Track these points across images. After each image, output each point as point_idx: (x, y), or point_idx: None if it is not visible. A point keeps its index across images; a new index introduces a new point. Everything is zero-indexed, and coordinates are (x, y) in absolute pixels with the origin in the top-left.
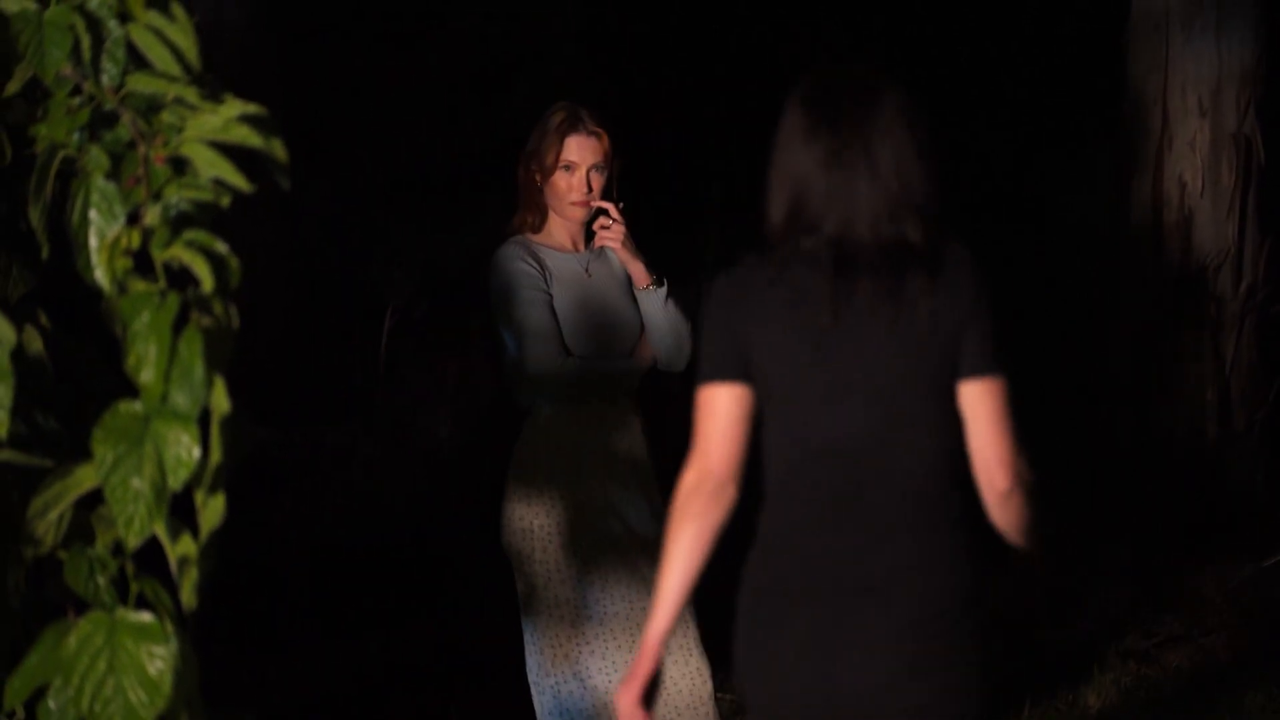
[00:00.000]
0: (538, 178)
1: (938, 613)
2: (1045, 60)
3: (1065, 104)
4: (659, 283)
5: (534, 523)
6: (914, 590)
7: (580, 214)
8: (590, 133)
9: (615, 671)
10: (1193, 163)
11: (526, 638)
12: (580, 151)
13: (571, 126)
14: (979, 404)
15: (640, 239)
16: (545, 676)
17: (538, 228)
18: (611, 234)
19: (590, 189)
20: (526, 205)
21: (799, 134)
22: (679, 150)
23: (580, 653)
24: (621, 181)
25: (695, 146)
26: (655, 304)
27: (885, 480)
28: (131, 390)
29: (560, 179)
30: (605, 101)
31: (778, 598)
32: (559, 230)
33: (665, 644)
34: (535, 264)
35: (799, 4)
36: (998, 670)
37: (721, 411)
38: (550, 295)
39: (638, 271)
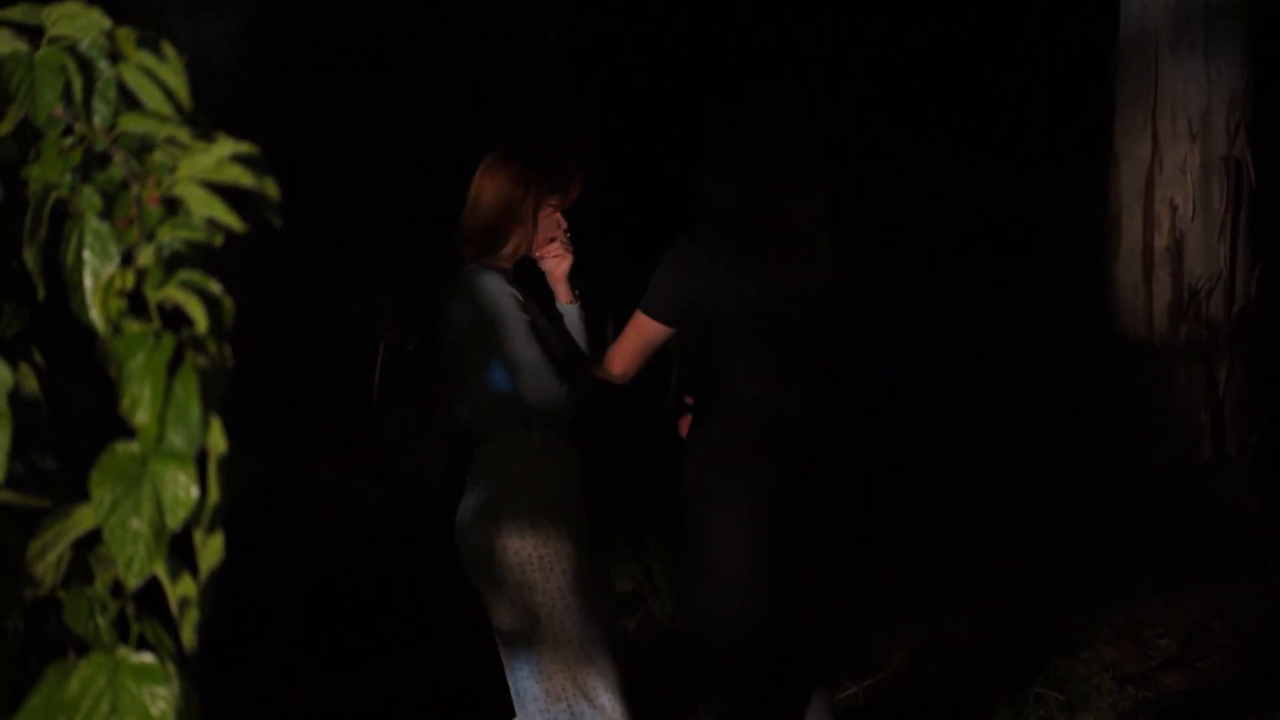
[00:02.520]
0: (552, 204)
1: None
2: (1033, 86)
3: (1054, 129)
4: (578, 298)
5: (532, 553)
6: None
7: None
8: None
9: (617, 690)
10: (1184, 186)
11: (528, 669)
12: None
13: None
14: None
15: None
16: (555, 702)
17: (515, 258)
18: (565, 262)
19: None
20: (514, 231)
21: (764, 143)
22: (673, 160)
23: (588, 676)
24: (619, 188)
25: (691, 154)
26: (576, 319)
27: None
28: (129, 430)
29: (558, 217)
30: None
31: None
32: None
33: None
34: (517, 291)
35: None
36: None
37: (655, 343)
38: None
39: (564, 289)
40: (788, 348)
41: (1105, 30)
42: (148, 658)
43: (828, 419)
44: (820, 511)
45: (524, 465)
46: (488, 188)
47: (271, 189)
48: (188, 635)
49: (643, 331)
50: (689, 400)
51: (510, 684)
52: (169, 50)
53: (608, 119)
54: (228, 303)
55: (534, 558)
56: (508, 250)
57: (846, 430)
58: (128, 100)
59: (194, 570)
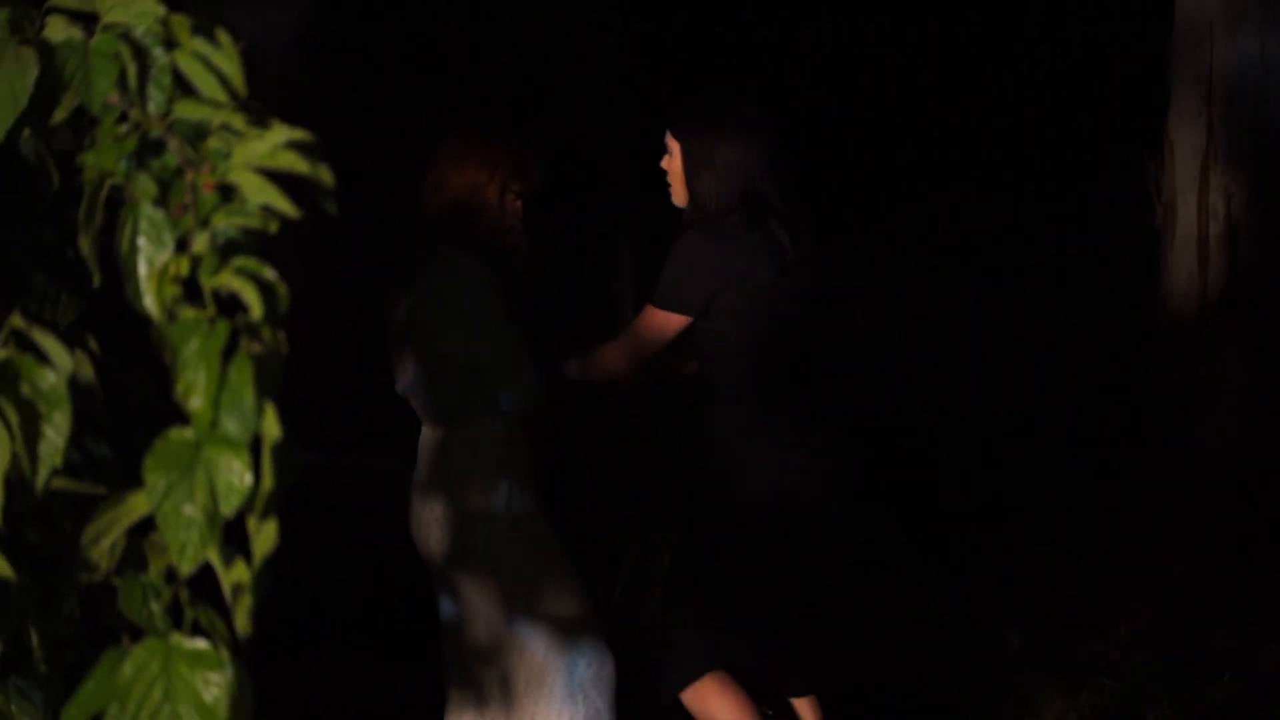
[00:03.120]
0: (515, 190)
1: None
2: (1088, 75)
3: (1107, 117)
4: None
5: (531, 530)
6: None
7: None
8: None
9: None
10: (1238, 174)
11: (575, 646)
12: None
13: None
14: None
15: None
16: (569, 650)
17: (482, 241)
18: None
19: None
20: (481, 217)
21: (708, 140)
22: None
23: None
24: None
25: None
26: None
27: None
28: (182, 417)
29: (519, 205)
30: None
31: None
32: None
33: None
34: (499, 279)
35: (840, 30)
36: None
37: (669, 338)
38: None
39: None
40: (804, 332)
41: (1159, 17)
42: (201, 644)
43: (837, 406)
44: (832, 507)
45: (494, 453)
46: (454, 173)
47: (326, 176)
48: (241, 621)
49: (660, 326)
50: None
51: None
52: (224, 37)
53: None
54: (282, 289)
55: (511, 545)
56: (476, 234)
57: (850, 424)
58: (183, 87)
59: (247, 557)
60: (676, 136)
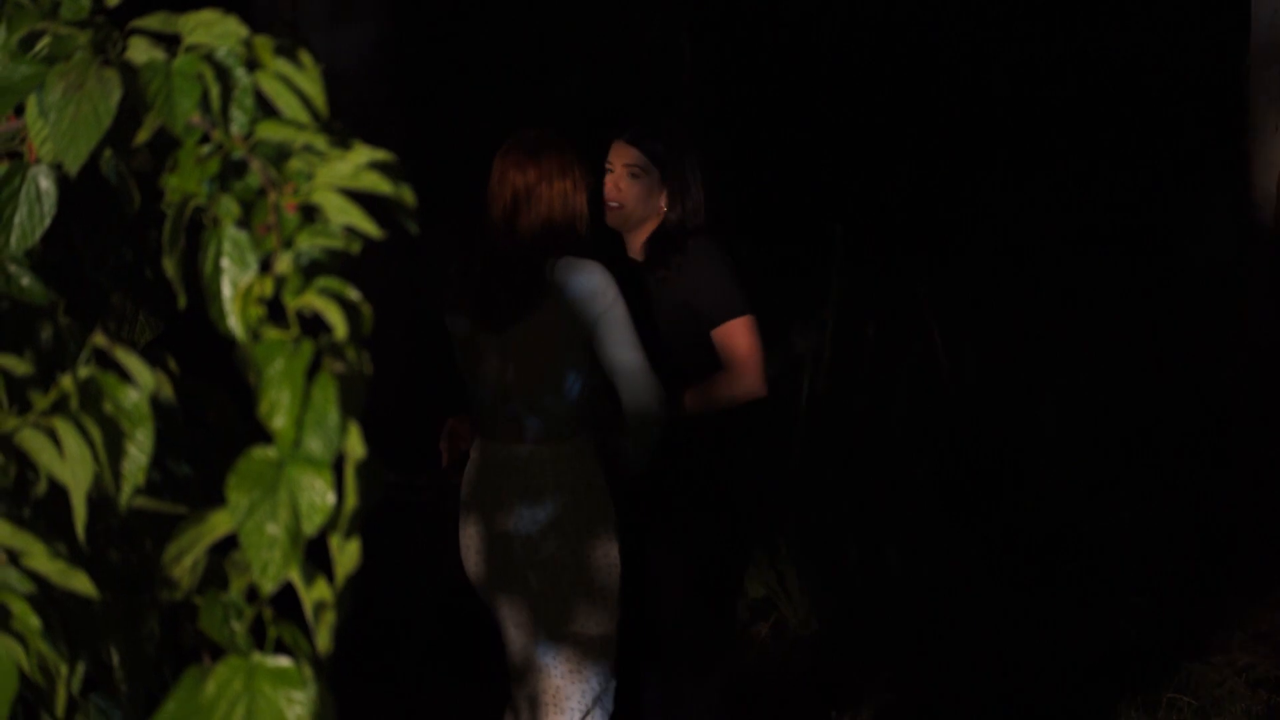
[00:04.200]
0: (588, 182)
1: None
2: (1167, 90)
3: (1187, 136)
4: None
5: (614, 558)
6: None
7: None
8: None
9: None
10: None
11: (600, 671)
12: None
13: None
14: None
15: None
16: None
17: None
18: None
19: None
20: (577, 221)
21: (691, 158)
22: (797, 194)
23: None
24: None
25: (813, 190)
26: None
27: None
28: (261, 433)
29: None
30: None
31: None
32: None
33: None
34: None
35: (915, 54)
36: None
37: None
38: None
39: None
40: None
41: (1236, 35)
42: (284, 662)
43: None
44: None
45: (591, 467)
46: (544, 185)
47: (408, 196)
48: (323, 640)
49: (757, 332)
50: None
51: (551, 686)
52: (306, 58)
53: (740, 133)
54: (366, 309)
55: (615, 562)
56: (580, 242)
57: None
58: (265, 108)
59: (329, 576)
60: (653, 155)
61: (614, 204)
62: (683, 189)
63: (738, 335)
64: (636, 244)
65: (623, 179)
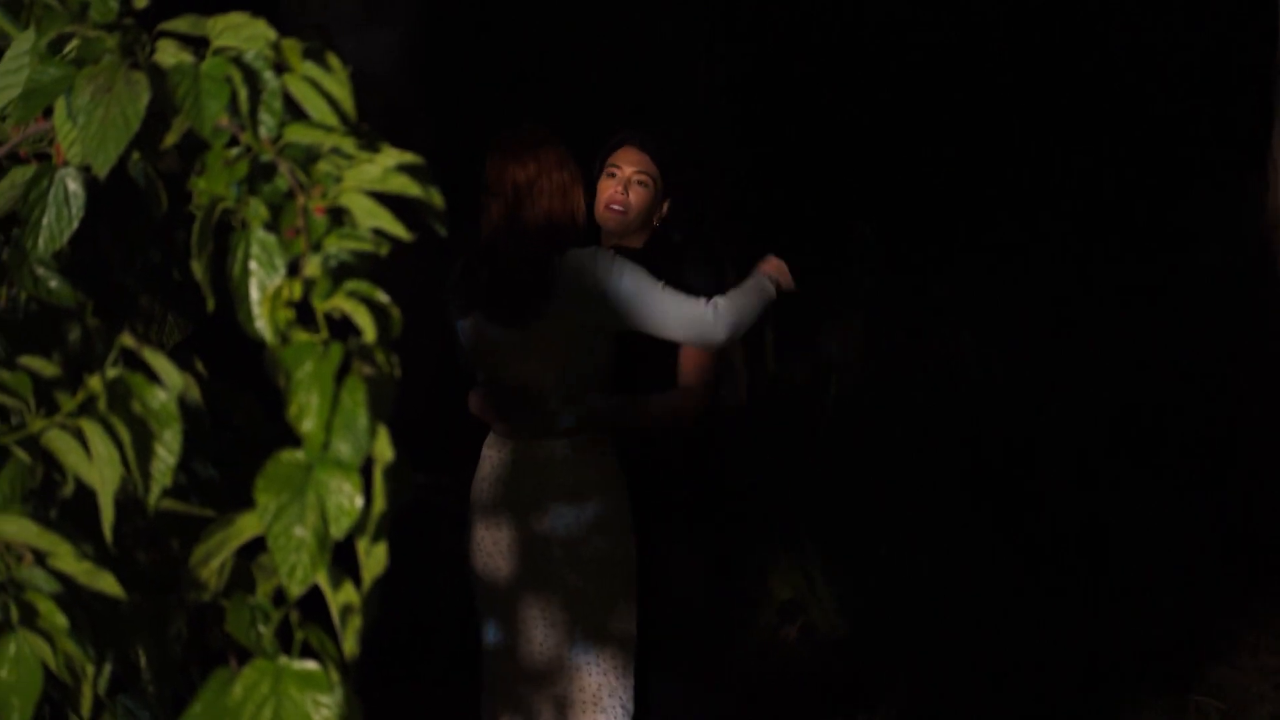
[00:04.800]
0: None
1: None
2: (1190, 97)
3: (1211, 139)
4: None
5: (634, 552)
6: None
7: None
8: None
9: None
10: None
11: (624, 669)
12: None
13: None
14: None
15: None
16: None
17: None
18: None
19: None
20: (578, 212)
21: (690, 170)
22: (825, 192)
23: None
24: (775, 224)
25: (841, 188)
26: None
27: None
28: (289, 437)
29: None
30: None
31: None
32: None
33: None
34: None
35: (943, 57)
36: None
37: None
38: None
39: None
40: None
41: (1266, 34)
42: (311, 665)
43: None
44: None
45: (615, 461)
46: (544, 179)
47: (436, 198)
48: (350, 643)
49: (712, 363)
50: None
51: (590, 685)
52: (334, 61)
53: (759, 143)
54: (395, 312)
55: (635, 558)
56: (579, 233)
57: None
58: (293, 111)
59: (356, 579)
60: (662, 164)
61: (618, 208)
62: (683, 201)
63: (695, 357)
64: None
65: (632, 185)
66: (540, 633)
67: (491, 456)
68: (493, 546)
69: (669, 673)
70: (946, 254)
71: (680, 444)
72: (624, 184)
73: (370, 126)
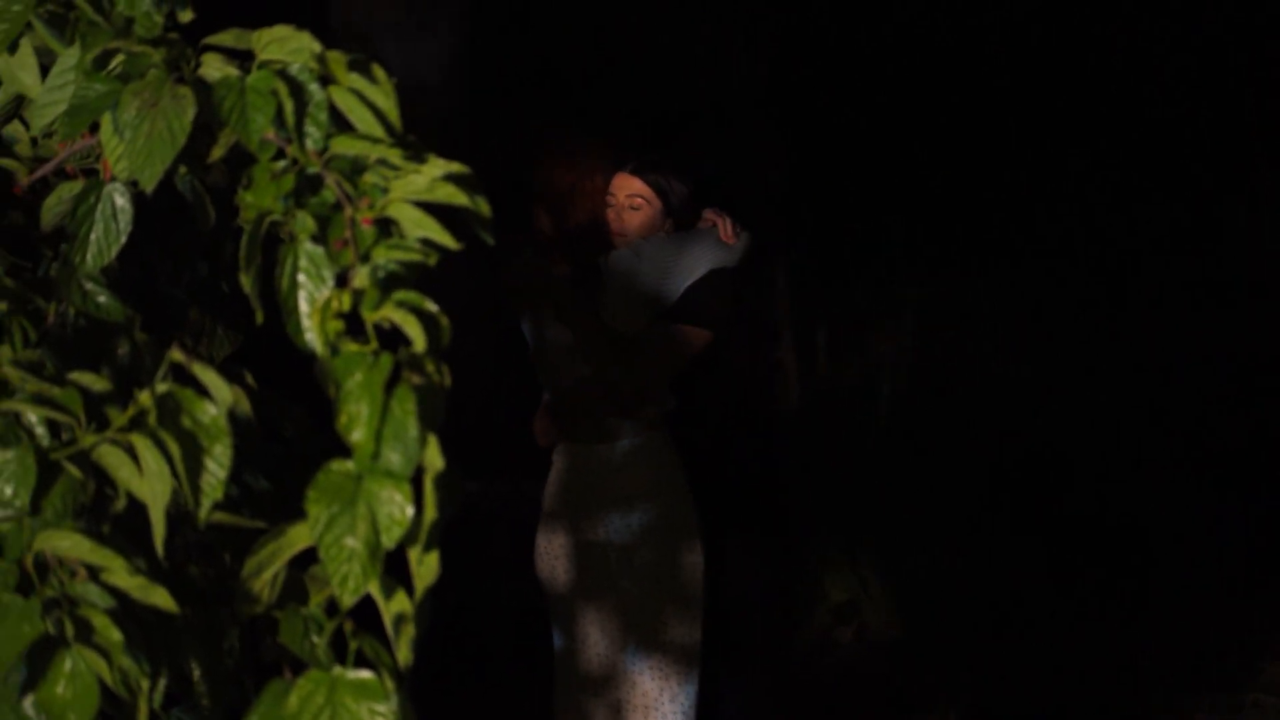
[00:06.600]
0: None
1: None
2: (1233, 87)
3: (1253, 132)
4: None
5: (701, 558)
6: None
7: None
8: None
9: None
10: None
11: (690, 680)
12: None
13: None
14: None
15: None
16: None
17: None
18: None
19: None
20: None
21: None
22: (861, 198)
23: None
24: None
25: (877, 193)
26: None
27: None
28: (339, 447)
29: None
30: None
31: None
32: None
33: None
34: None
35: (981, 55)
36: None
37: None
38: None
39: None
40: None
41: None
42: (365, 674)
43: None
44: None
45: (675, 460)
46: (588, 180)
47: (484, 207)
48: (403, 652)
49: (700, 348)
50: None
51: (642, 693)
52: (379, 72)
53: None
54: (444, 322)
55: (701, 564)
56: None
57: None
58: (339, 123)
59: (409, 588)
60: (655, 186)
61: (617, 234)
62: (687, 222)
63: (682, 337)
64: None
65: (625, 210)
66: (595, 638)
67: (555, 462)
68: (554, 551)
69: (733, 676)
70: (991, 254)
71: (740, 448)
72: (619, 211)
73: (418, 136)
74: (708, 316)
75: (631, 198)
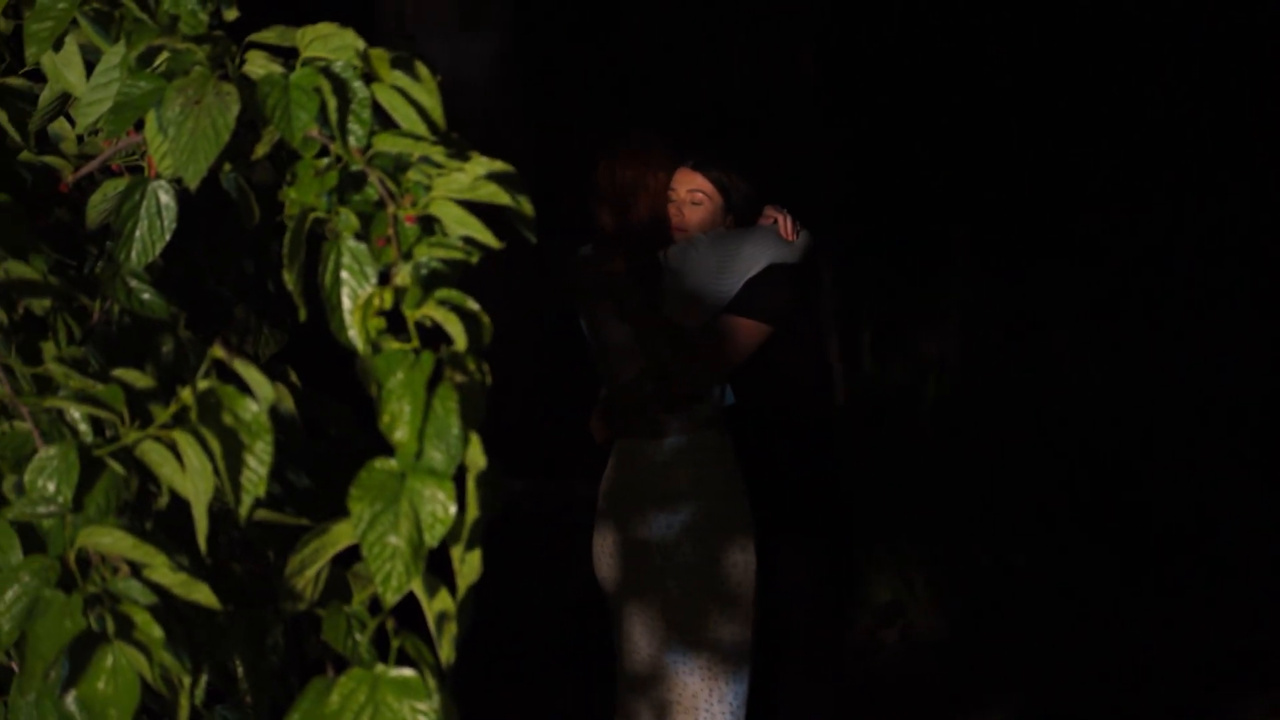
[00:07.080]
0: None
1: None
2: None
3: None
4: None
5: (753, 558)
6: None
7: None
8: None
9: None
10: None
11: (737, 682)
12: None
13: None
14: None
15: None
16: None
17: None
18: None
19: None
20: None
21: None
22: (920, 195)
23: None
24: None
25: (937, 191)
26: None
27: None
28: (382, 446)
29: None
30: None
31: None
32: None
33: None
34: None
35: (1029, 43)
36: None
37: None
38: None
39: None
40: None
41: None
42: (408, 672)
43: None
44: None
45: (726, 458)
46: (651, 176)
47: (526, 206)
48: (446, 650)
49: (752, 343)
50: None
51: (687, 692)
52: (423, 70)
53: (861, 138)
54: (486, 320)
55: (752, 564)
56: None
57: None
58: (382, 121)
59: (452, 586)
60: (716, 181)
61: (678, 229)
62: (749, 220)
63: (739, 330)
64: None
65: (686, 205)
66: (642, 636)
67: (611, 460)
68: (606, 550)
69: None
70: (1038, 253)
71: (792, 448)
72: (679, 206)
73: (465, 134)
74: (767, 310)
75: (693, 193)
